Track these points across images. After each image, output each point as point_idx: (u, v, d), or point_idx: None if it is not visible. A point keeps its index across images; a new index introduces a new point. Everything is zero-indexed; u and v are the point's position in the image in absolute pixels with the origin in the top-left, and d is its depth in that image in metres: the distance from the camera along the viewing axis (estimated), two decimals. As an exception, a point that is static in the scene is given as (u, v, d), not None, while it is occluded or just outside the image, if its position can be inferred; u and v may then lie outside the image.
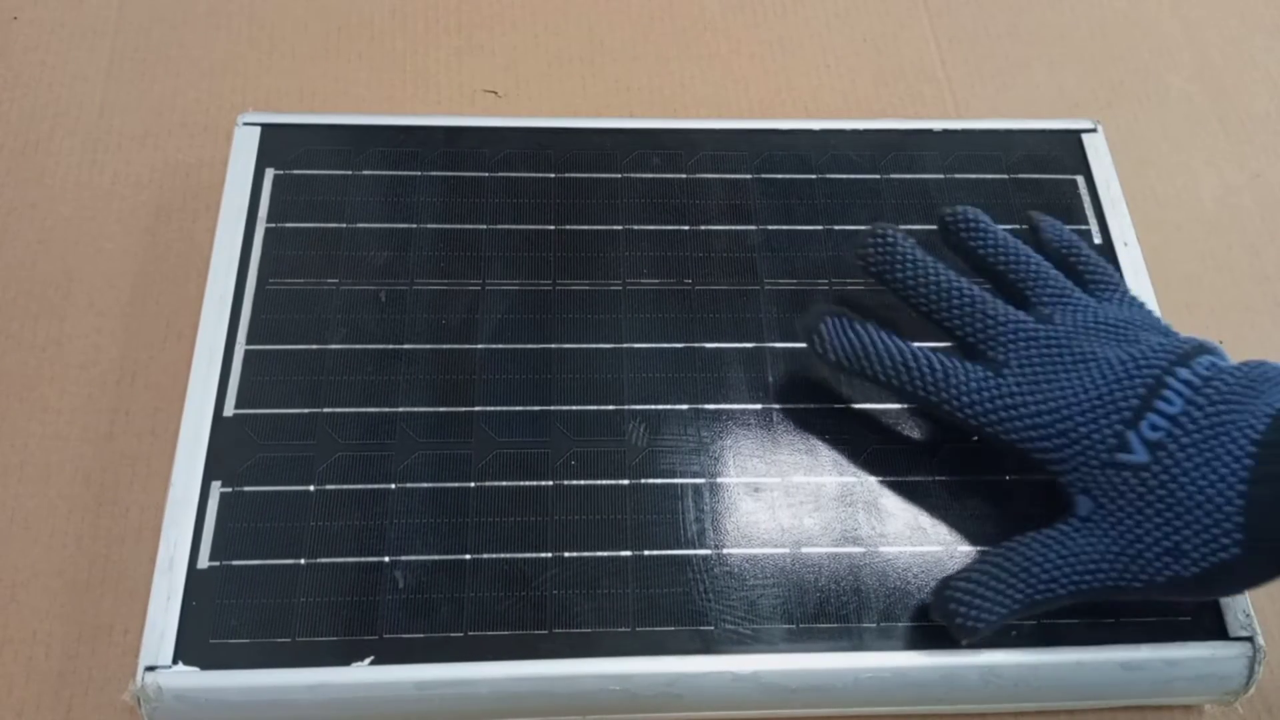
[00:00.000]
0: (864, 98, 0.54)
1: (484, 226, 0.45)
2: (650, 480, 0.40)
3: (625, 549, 0.39)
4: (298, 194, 0.45)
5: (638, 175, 0.47)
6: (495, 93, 0.53)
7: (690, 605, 0.38)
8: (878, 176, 0.47)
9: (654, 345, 0.43)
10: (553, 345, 0.42)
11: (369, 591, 0.37)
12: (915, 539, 0.40)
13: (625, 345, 0.43)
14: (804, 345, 0.41)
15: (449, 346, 0.42)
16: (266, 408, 0.41)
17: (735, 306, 0.44)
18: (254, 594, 0.37)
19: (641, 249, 0.45)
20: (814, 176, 0.47)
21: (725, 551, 0.39)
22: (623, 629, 0.37)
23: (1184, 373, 0.36)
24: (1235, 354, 0.48)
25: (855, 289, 0.45)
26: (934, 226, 0.45)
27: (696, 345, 0.43)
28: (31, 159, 0.50)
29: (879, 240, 0.41)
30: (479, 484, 0.40)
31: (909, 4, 0.58)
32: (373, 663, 0.36)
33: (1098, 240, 0.46)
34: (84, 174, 0.49)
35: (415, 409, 0.41)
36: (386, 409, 0.41)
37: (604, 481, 0.40)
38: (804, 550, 0.39)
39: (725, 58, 0.55)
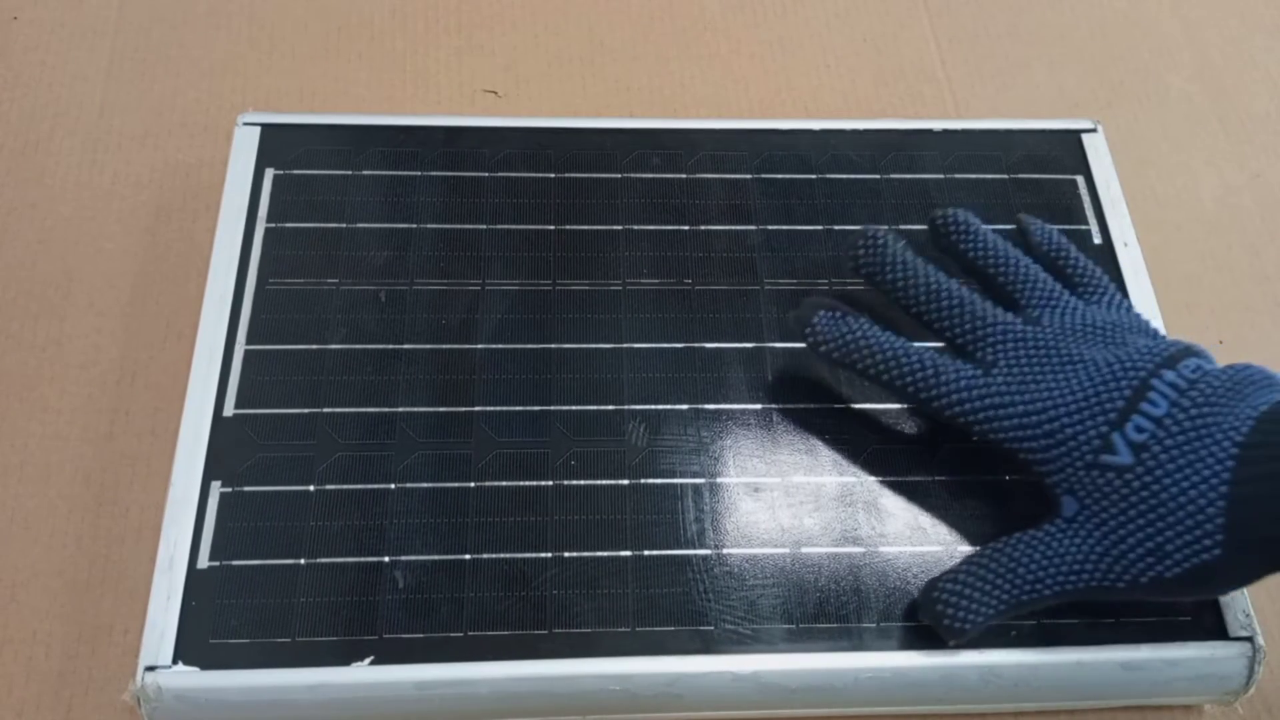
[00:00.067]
0: (864, 98, 0.54)
1: (484, 226, 0.45)
2: (650, 480, 0.40)
3: (625, 549, 0.39)
4: (298, 194, 0.45)
5: (638, 175, 0.47)
6: (495, 93, 0.53)
7: (690, 605, 0.38)
8: (878, 176, 0.47)
9: (654, 345, 0.43)
10: (553, 345, 0.42)
11: (369, 591, 0.37)
12: (915, 539, 0.40)
13: (625, 345, 0.43)
14: (804, 345, 0.41)
15: (449, 346, 0.42)
16: (266, 408, 0.41)
17: (735, 306, 0.44)
18: (254, 594, 0.37)
19: (641, 249, 0.45)
20: (814, 176, 0.47)
21: (725, 551, 0.39)
22: (623, 629, 0.37)
23: (1170, 375, 0.37)
24: (1235, 354, 0.48)
25: (855, 289, 0.44)
26: (939, 211, 0.44)
27: (696, 345, 0.43)
28: (31, 159, 0.50)
29: (869, 243, 0.41)
30: (479, 484, 0.40)
31: (909, 4, 0.58)
32: (373, 663, 0.36)
33: (1098, 240, 0.46)
34: (84, 174, 0.49)
35: (415, 409, 0.41)
36: (386, 409, 0.41)
37: (604, 481, 0.40)
38: (804, 550, 0.39)
39: (725, 58, 0.55)
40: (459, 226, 0.45)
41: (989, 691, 0.38)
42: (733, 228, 0.46)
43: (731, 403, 0.42)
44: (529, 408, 0.41)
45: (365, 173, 0.46)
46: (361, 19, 0.55)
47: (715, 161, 0.47)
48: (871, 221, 0.46)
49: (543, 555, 0.38)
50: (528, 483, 0.40)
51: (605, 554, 0.39)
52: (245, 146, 0.46)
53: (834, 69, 0.55)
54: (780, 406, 0.42)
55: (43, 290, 0.46)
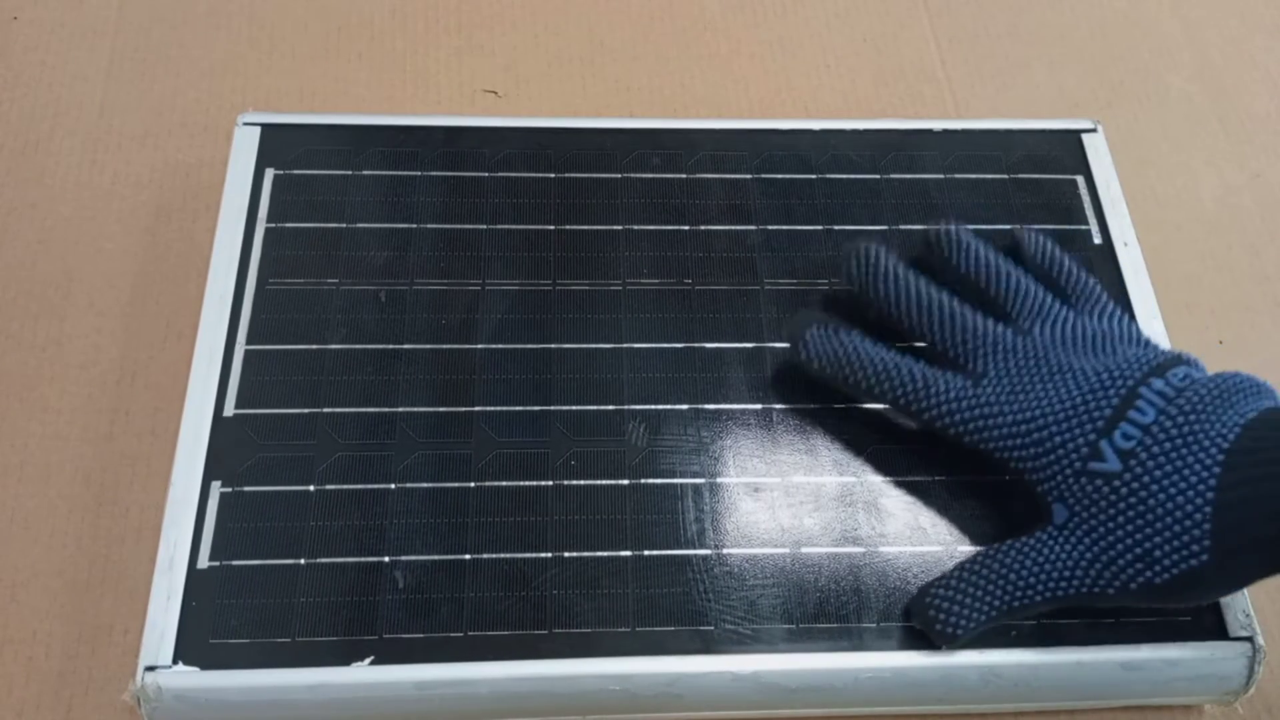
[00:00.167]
0: (864, 98, 0.54)
1: (484, 226, 0.45)
2: (650, 480, 0.40)
3: (625, 549, 0.39)
4: (298, 194, 0.45)
5: (638, 175, 0.47)
6: (495, 93, 0.53)
7: (690, 605, 0.38)
8: (878, 176, 0.47)
9: (654, 345, 0.43)
10: (553, 345, 0.42)
11: (369, 591, 0.37)
12: (915, 539, 0.40)
13: (625, 345, 0.43)
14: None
15: (449, 346, 0.42)
16: (266, 408, 0.41)
17: (735, 306, 0.44)
18: (254, 594, 0.37)
19: (641, 249, 0.45)
20: (814, 176, 0.47)
21: (725, 551, 0.39)
22: (623, 629, 0.37)
23: (1158, 384, 0.37)
24: (1235, 354, 0.48)
25: (850, 290, 0.44)
26: (933, 226, 0.45)
27: (696, 345, 0.43)
28: (31, 159, 0.50)
29: (862, 257, 0.42)
30: (479, 484, 0.40)
31: (909, 4, 0.58)
32: (373, 663, 0.36)
33: (1098, 240, 0.46)
34: (84, 174, 0.49)
35: (415, 409, 0.41)
36: (386, 409, 0.41)
37: (604, 481, 0.40)
38: (804, 550, 0.39)
39: (725, 58, 0.55)
40: (459, 226, 0.45)
41: (989, 691, 0.38)
42: (733, 228, 0.46)
43: (731, 403, 0.42)
44: (529, 408, 0.41)
45: (365, 173, 0.46)
46: (361, 19, 0.55)
47: (715, 161, 0.47)
48: (872, 221, 0.46)
49: (543, 555, 0.38)
50: (528, 483, 0.40)
51: (605, 554, 0.39)
52: (245, 146, 0.46)
53: (834, 69, 0.55)
54: (780, 406, 0.42)
55: (43, 290, 0.46)
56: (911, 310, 0.41)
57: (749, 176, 0.47)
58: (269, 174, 0.45)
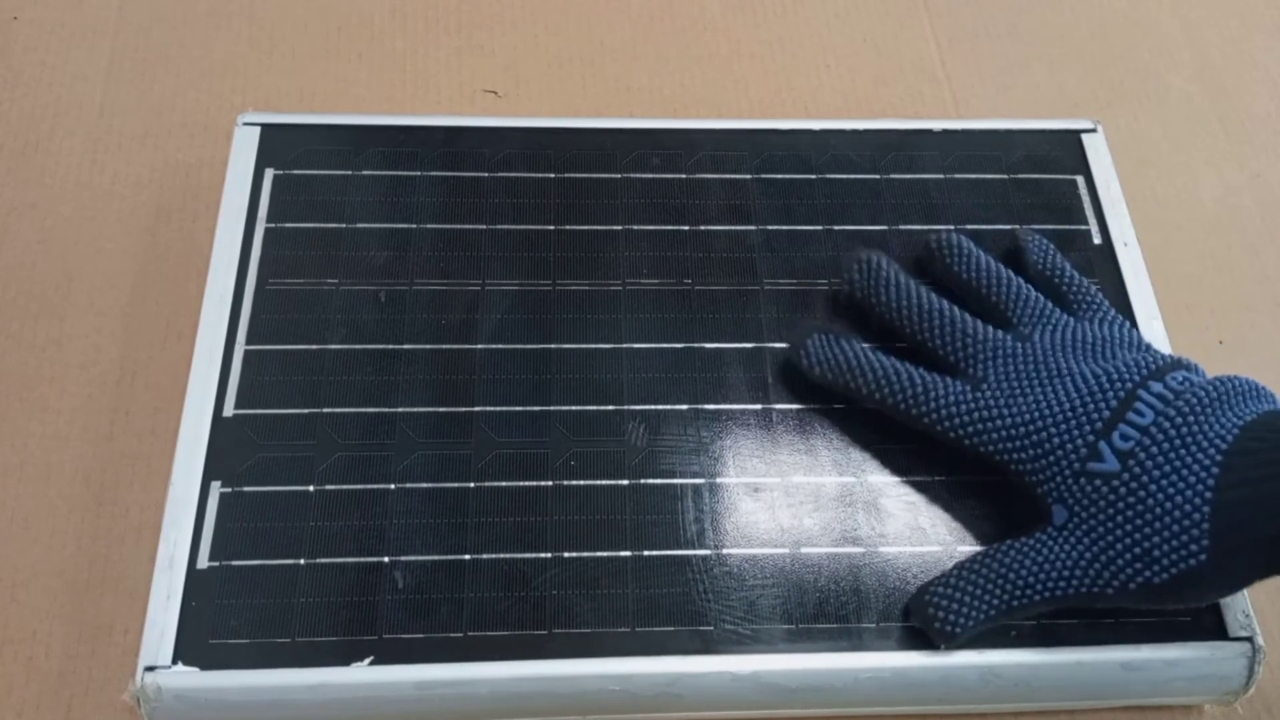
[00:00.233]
0: (864, 98, 0.54)
1: (484, 226, 0.45)
2: (650, 480, 0.40)
3: (625, 549, 0.39)
4: (298, 194, 0.45)
5: (638, 175, 0.47)
6: (495, 93, 0.53)
7: (690, 605, 0.38)
8: (878, 176, 0.47)
9: (654, 345, 0.43)
10: (553, 345, 0.42)
11: (369, 591, 0.37)
12: (915, 539, 0.40)
13: (625, 345, 0.43)
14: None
15: (449, 346, 0.42)
16: (266, 408, 0.41)
17: (735, 306, 0.44)
18: (254, 594, 0.37)
19: (641, 249, 0.45)
20: (814, 176, 0.47)
21: (725, 551, 0.39)
22: (623, 629, 0.37)
23: (1157, 386, 0.37)
24: (1235, 354, 0.48)
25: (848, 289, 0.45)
26: (933, 227, 0.46)
27: (696, 345, 0.43)
28: (31, 159, 0.50)
29: (863, 266, 0.43)
30: (479, 484, 0.40)
31: (909, 4, 0.58)
32: (372, 663, 0.36)
33: (1098, 240, 0.46)
34: (84, 174, 0.49)
35: (415, 409, 0.41)
36: (386, 409, 0.41)
37: (604, 481, 0.40)
38: (803, 550, 0.39)
39: (725, 58, 0.55)
40: (459, 226, 0.45)
41: (989, 691, 0.38)
42: (733, 228, 0.46)
43: (731, 403, 0.42)
44: (529, 408, 0.41)
45: (365, 173, 0.46)
46: (361, 19, 0.55)
47: (715, 161, 0.47)
48: (872, 222, 0.46)
49: (543, 555, 0.38)
50: (528, 483, 0.40)
51: (605, 554, 0.39)
52: (245, 146, 0.46)
53: (834, 69, 0.55)
54: (780, 406, 0.42)
55: (43, 290, 0.46)
56: (912, 316, 0.42)
57: (749, 176, 0.47)
58: (269, 174, 0.45)
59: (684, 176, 0.47)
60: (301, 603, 0.37)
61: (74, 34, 0.53)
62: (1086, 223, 0.47)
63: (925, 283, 0.44)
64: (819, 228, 0.46)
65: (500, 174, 0.46)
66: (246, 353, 0.42)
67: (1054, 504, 0.37)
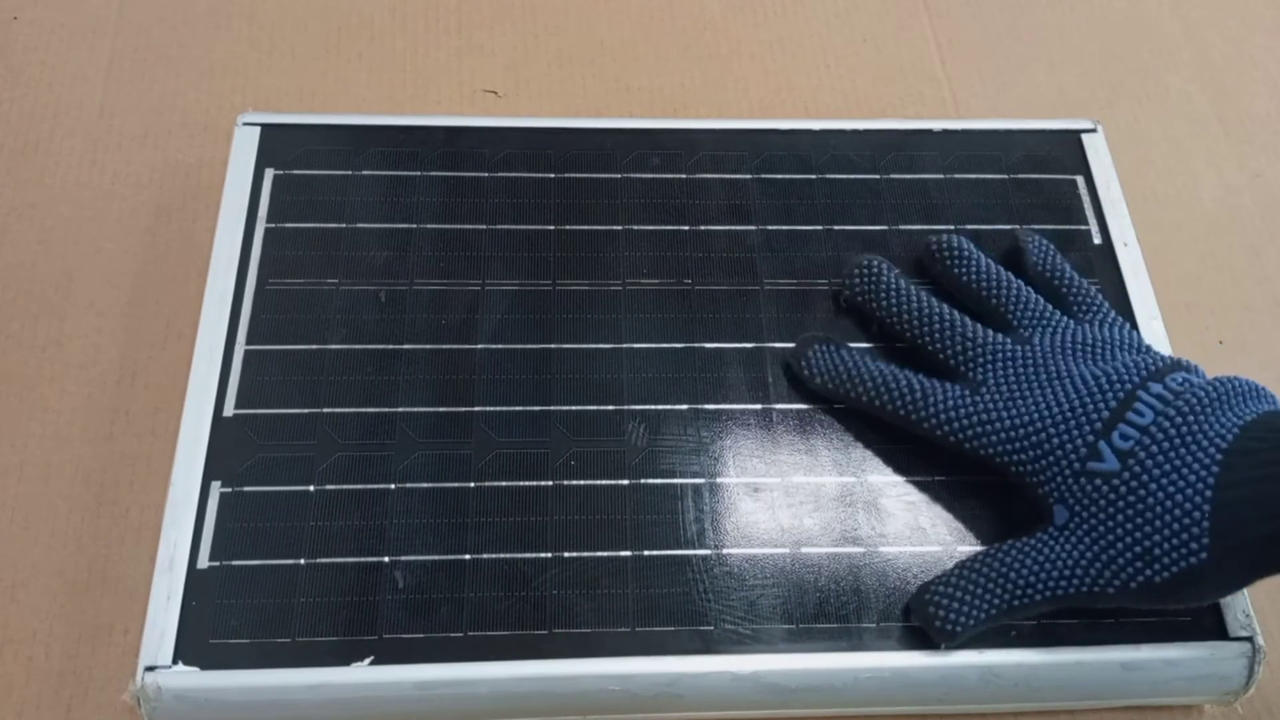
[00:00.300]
0: (864, 98, 0.54)
1: (484, 226, 0.45)
2: (650, 480, 0.40)
3: (625, 549, 0.39)
4: (298, 194, 0.45)
5: (638, 175, 0.47)
6: (495, 93, 0.53)
7: (690, 605, 0.38)
8: (878, 176, 0.47)
9: (654, 345, 0.43)
10: (553, 345, 0.42)
11: (369, 591, 0.37)
12: (915, 539, 0.40)
13: (625, 345, 0.43)
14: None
15: (449, 346, 0.42)
16: (266, 408, 0.41)
17: (735, 306, 0.44)
18: (254, 594, 0.37)
19: (641, 249, 0.45)
20: (814, 176, 0.47)
21: (725, 551, 0.39)
22: (623, 629, 0.37)
23: (1156, 387, 0.37)
24: (1235, 354, 0.48)
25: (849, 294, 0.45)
26: (933, 227, 0.46)
27: (696, 345, 0.43)
28: (31, 159, 0.50)
29: (863, 271, 0.43)
30: (479, 484, 0.40)
31: (909, 4, 0.58)
32: (373, 663, 0.36)
33: (1098, 240, 0.46)
34: (84, 174, 0.49)
35: (415, 409, 0.41)
36: (386, 409, 0.41)
37: (604, 481, 0.40)
38: (804, 550, 0.39)
39: (725, 58, 0.55)
40: (459, 226, 0.45)
41: (989, 691, 0.38)
42: (733, 228, 0.46)
43: (731, 403, 0.42)
44: (529, 408, 0.41)
45: (365, 173, 0.46)
46: (361, 19, 0.55)
47: (715, 161, 0.47)
48: (871, 222, 0.46)
49: (543, 555, 0.38)
50: (528, 483, 0.40)
51: (605, 554, 0.39)
52: (245, 146, 0.46)
53: (834, 69, 0.55)
54: (780, 406, 0.42)
55: (43, 290, 0.46)
56: (912, 321, 0.42)
57: (749, 176, 0.47)
58: (269, 174, 0.45)
59: (684, 176, 0.47)
60: (301, 603, 0.37)
61: (74, 34, 0.53)
62: (1086, 223, 0.47)
63: (925, 284, 0.44)
64: (819, 228, 0.46)
65: (500, 174, 0.46)
66: (246, 353, 0.42)
67: (1055, 504, 0.37)
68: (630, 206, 0.46)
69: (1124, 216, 0.47)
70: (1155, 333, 0.44)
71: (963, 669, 0.37)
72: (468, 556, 0.38)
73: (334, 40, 0.54)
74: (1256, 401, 0.37)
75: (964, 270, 0.43)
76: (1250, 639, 0.38)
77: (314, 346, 0.42)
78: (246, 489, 0.39)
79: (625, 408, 0.41)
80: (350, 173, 0.46)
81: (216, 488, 0.39)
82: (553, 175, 0.46)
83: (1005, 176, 0.48)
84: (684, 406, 0.42)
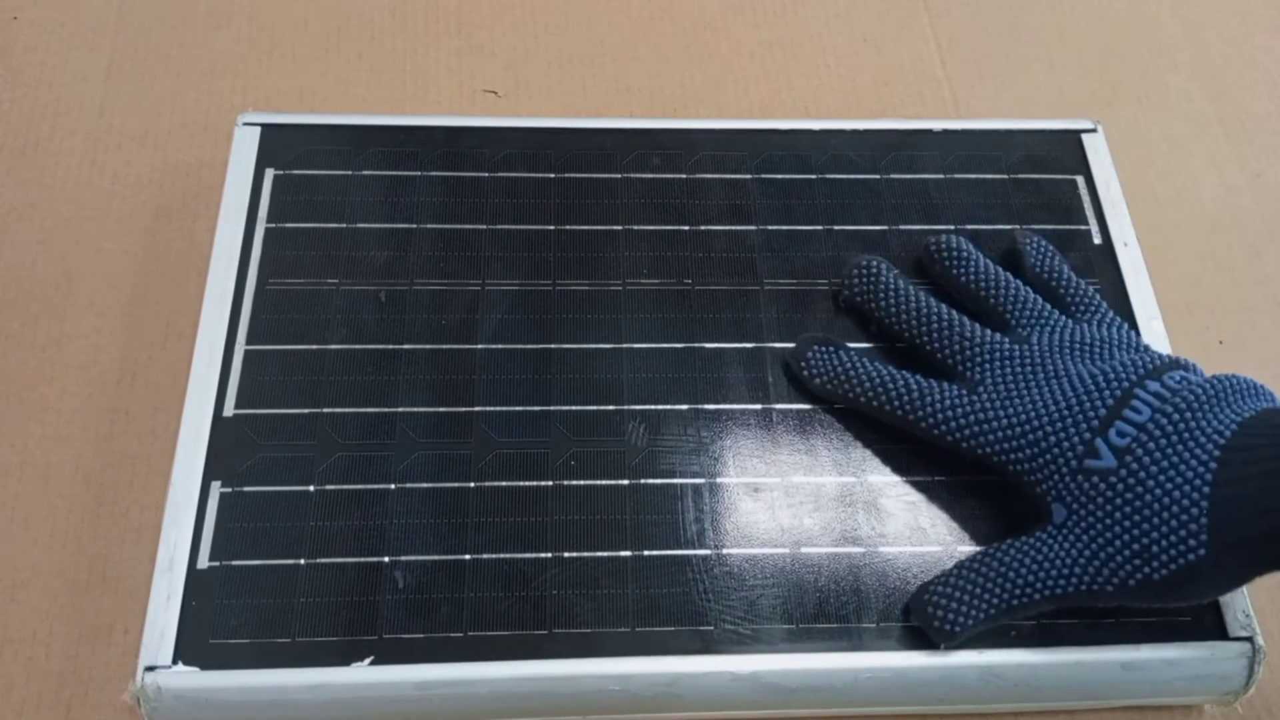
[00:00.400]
0: (864, 98, 0.54)
1: (484, 226, 0.45)
2: (650, 480, 0.40)
3: (625, 549, 0.39)
4: (298, 194, 0.45)
5: (638, 175, 0.47)
6: (495, 93, 0.53)
7: (690, 605, 0.38)
8: (878, 176, 0.47)
9: (654, 345, 0.43)
10: (553, 345, 0.42)
11: (369, 591, 0.37)
12: (915, 539, 0.40)
13: (625, 345, 0.43)
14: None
15: (449, 346, 0.42)
16: (266, 408, 0.41)
17: (735, 306, 0.44)
18: (254, 594, 0.37)
19: (641, 249, 0.45)
20: (814, 176, 0.47)
21: (725, 551, 0.39)
22: (623, 629, 0.37)
23: (1153, 385, 0.37)
24: (1235, 354, 0.48)
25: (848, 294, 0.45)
26: (933, 227, 0.46)
27: (696, 345, 0.43)
28: (31, 159, 0.50)
29: (862, 271, 0.43)
30: (479, 484, 0.40)
31: (909, 4, 0.58)
32: (373, 663, 0.36)
33: (1098, 240, 0.46)
34: (84, 174, 0.49)
35: (415, 409, 0.41)
36: (386, 409, 0.41)
37: (604, 481, 0.40)
38: (804, 550, 0.39)
39: (725, 58, 0.55)
40: (459, 226, 0.45)
41: (989, 691, 0.38)
42: (733, 228, 0.46)
43: (731, 403, 0.42)
44: (529, 408, 0.41)
45: (365, 173, 0.46)
46: (361, 19, 0.55)
47: (715, 161, 0.47)
48: (872, 222, 0.46)
49: (543, 555, 0.38)
50: (528, 483, 0.40)
51: (605, 554, 0.39)
52: (245, 146, 0.46)
53: (834, 69, 0.55)
54: (780, 406, 0.42)
55: (43, 290, 0.46)
56: (911, 321, 0.42)
57: (749, 176, 0.47)
58: (269, 174, 0.45)
59: (684, 176, 0.47)
60: (301, 603, 0.37)
61: (74, 34, 0.53)
62: (1086, 223, 0.47)
63: (924, 284, 0.44)
64: (819, 228, 0.46)
65: (500, 174, 0.46)
66: (246, 353, 0.42)
67: (1053, 503, 0.37)
68: (630, 206, 0.46)
69: (1124, 216, 0.47)
70: (1155, 333, 0.44)
71: (963, 669, 0.37)
72: (468, 556, 0.38)
73: (334, 40, 0.54)
74: (1255, 399, 0.37)
75: (962, 271, 0.43)
76: (1250, 639, 0.38)
77: (314, 346, 0.42)
78: (246, 489, 0.39)
79: (625, 408, 0.41)
80: (350, 173, 0.46)
81: (216, 488, 0.39)
82: (553, 175, 0.46)
83: (1005, 176, 0.48)
84: (684, 406, 0.42)
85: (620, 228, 0.45)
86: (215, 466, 0.39)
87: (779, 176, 0.47)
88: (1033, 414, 0.38)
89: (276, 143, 0.46)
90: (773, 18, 0.57)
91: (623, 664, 0.37)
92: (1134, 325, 0.44)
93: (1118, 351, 0.40)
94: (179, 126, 0.51)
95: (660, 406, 0.42)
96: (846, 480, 0.41)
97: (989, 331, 0.41)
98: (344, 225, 0.44)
